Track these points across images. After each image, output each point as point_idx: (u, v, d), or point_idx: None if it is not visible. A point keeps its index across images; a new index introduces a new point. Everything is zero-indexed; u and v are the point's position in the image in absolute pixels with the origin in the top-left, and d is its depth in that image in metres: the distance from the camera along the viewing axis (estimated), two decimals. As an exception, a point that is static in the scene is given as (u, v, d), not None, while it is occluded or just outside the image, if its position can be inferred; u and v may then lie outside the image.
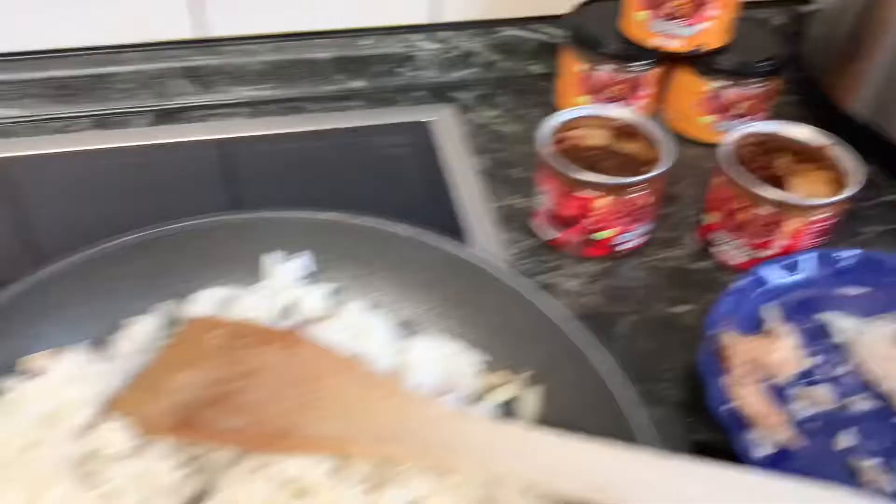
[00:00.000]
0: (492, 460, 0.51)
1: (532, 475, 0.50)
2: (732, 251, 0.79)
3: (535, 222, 0.82)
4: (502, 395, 0.63)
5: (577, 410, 0.58)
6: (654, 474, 0.48)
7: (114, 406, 0.57)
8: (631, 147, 0.82)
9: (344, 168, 0.91)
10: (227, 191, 0.89)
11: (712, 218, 0.80)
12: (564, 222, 0.78)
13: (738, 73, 0.90)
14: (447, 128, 0.95)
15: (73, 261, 0.62)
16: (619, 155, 0.81)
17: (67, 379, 0.57)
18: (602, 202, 0.75)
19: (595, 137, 0.83)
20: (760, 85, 0.91)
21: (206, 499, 0.54)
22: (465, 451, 0.51)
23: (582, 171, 0.75)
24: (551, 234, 0.80)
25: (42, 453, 0.52)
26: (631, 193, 0.75)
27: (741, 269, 0.76)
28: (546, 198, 0.79)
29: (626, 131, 0.82)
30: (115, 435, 0.54)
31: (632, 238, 0.80)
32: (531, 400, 0.62)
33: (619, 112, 0.82)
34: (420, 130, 0.95)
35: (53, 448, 0.53)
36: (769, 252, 0.77)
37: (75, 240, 0.63)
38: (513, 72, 1.05)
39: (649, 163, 0.78)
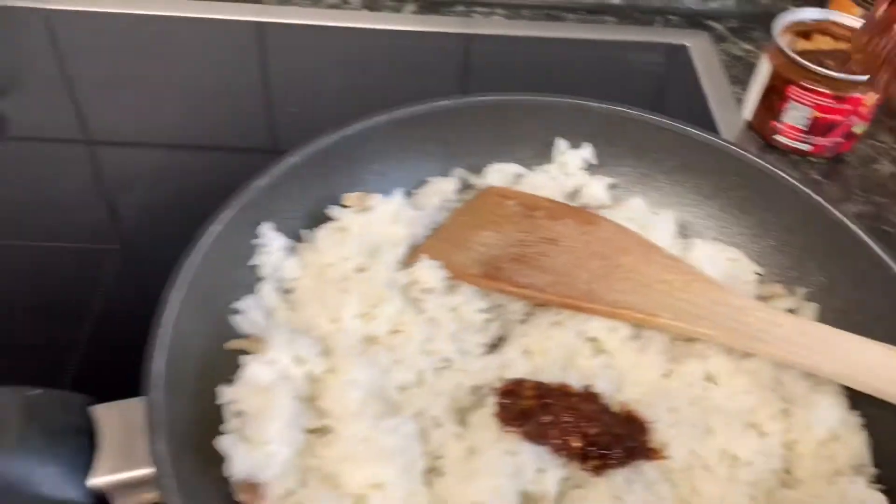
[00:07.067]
0: (794, 352, 0.53)
1: (833, 369, 0.52)
2: None
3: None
4: (778, 307, 0.64)
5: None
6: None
7: (422, 250, 0.62)
8: None
9: (597, 80, 0.92)
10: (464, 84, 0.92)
11: None
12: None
13: None
14: (705, 54, 0.95)
15: (391, 117, 0.67)
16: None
17: (388, 218, 0.62)
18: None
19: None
20: None
21: (505, 344, 0.59)
22: (770, 340, 0.54)
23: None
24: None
25: (373, 275, 0.58)
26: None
27: None
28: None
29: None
30: (430, 273, 0.59)
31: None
32: (808, 316, 0.62)
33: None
34: (678, 53, 0.95)
35: (381, 273, 0.58)
36: None
37: (354, 109, 0.66)
38: (767, 8, 1.03)
39: None
